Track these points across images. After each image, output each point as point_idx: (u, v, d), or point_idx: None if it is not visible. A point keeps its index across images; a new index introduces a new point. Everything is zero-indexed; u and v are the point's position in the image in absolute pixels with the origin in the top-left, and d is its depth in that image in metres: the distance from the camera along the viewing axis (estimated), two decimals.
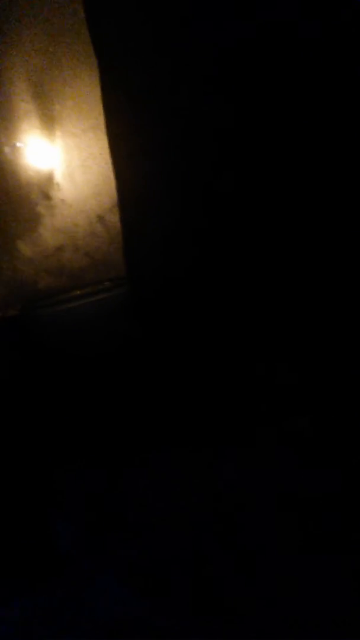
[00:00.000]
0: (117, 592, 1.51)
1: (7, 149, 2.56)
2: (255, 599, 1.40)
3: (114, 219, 2.47)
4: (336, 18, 1.71)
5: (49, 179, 2.55)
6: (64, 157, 2.50)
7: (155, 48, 1.94)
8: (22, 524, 1.87)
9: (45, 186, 2.56)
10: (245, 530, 1.60)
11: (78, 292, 2.44)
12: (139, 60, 1.96)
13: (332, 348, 1.93)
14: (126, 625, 1.40)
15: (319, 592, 1.38)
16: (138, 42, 1.95)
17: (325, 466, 1.71)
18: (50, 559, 1.71)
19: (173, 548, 1.62)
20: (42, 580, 1.62)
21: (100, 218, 2.52)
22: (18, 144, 2.56)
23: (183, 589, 1.48)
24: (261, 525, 1.60)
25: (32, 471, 2.06)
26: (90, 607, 1.49)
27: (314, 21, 1.72)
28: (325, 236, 1.90)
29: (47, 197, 2.56)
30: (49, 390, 2.27)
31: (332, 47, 1.74)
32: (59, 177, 2.54)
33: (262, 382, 2.01)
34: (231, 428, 1.98)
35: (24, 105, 2.50)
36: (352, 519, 1.54)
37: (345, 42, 1.72)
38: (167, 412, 2.14)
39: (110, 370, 2.23)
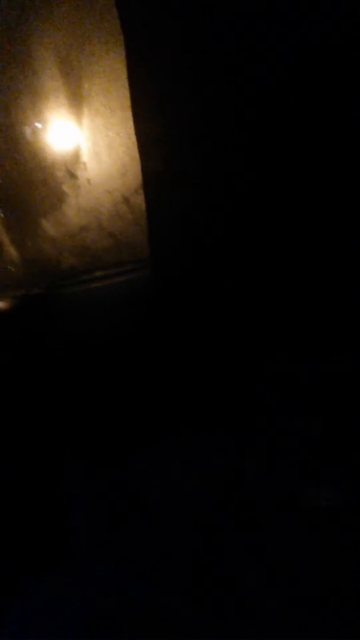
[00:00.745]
0: (123, 573, 1.54)
1: (34, 126, 2.56)
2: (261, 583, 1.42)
3: (139, 200, 2.46)
4: None
5: (75, 157, 2.54)
6: (91, 136, 2.48)
7: (185, 26, 1.89)
8: (35, 507, 1.91)
9: (71, 165, 2.55)
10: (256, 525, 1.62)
11: (102, 272, 2.45)
12: (167, 38, 1.92)
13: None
14: (130, 604, 1.44)
15: (322, 575, 1.40)
16: (168, 19, 1.91)
17: (331, 468, 1.70)
18: (63, 542, 1.75)
19: (180, 532, 1.64)
20: (55, 562, 1.66)
21: (126, 199, 2.50)
22: (45, 121, 2.55)
23: (187, 574, 1.50)
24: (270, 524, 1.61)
25: (45, 451, 2.10)
26: (97, 585, 1.53)
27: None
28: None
29: (72, 176, 2.55)
30: (70, 368, 2.30)
31: None
32: (85, 156, 2.52)
33: (276, 377, 2.00)
34: (241, 419, 1.99)
35: (52, 82, 2.48)
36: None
37: None
38: (181, 397, 2.15)
39: (130, 351, 2.25)
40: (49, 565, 1.66)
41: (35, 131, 2.60)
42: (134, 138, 2.26)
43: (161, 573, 1.52)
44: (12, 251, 2.62)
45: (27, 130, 2.63)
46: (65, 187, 2.59)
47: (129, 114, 2.26)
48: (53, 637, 1.41)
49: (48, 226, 2.60)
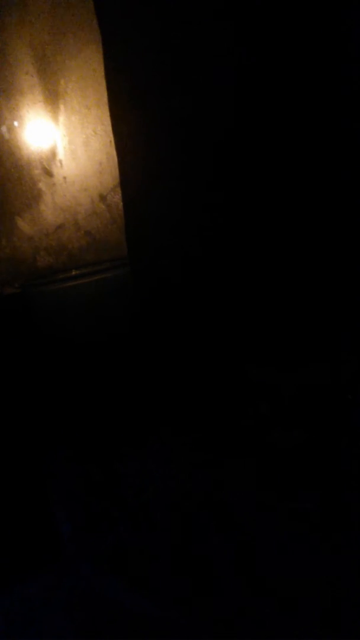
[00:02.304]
0: (112, 580, 1.53)
1: (9, 124, 2.51)
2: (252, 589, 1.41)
3: (116, 198, 2.44)
4: None
5: (52, 155, 2.51)
6: (68, 134, 2.45)
7: (161, 24, 1.88)
8: (22, 509, 1.88)
9: (47, 163, 2.52)
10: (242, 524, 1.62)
11: (78, 271, 2.42)
12: (143, 36, 1.91)
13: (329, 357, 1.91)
14: (119, 615, 1.42)
15: (308, 574, 1.40)
16: (143, 17, 1.90)
17: (306, 484, 1.71)
18: (51, 543, 1.73)
19: (167, 532, 1.64)
20: (41, 565, 1.64)
21: (102, 197, 2.48)
22: (20, 119, 2.51)
23: (174, 578, 1.50)
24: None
25: (30, 453, 2.07)
26: (86, 595, 1.51)
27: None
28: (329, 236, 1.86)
29: (48, 174, 2.52)
30: (46, 369, 2.26)
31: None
32: (61, 154, 2.49)
33: (253, 386, 2.00)
34: (220, 427, 1.99)
35: (28, 78, 2.44)
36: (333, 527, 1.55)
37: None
38: (161, 397, 2.14)
39: (107, 351, 2.22)
40: (35, 567, 1.64)
41: (10, 129, 2.56)
42: (110, 136, 2.24)
43: (145, 574, 1.51)
44: None
45: (2, 128, 2.59)
46: (41, 185, 2.55)
47: (105, 111, 2.24)
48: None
49: (24, 224, 2.56)
